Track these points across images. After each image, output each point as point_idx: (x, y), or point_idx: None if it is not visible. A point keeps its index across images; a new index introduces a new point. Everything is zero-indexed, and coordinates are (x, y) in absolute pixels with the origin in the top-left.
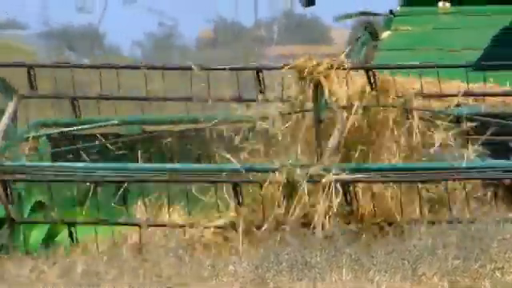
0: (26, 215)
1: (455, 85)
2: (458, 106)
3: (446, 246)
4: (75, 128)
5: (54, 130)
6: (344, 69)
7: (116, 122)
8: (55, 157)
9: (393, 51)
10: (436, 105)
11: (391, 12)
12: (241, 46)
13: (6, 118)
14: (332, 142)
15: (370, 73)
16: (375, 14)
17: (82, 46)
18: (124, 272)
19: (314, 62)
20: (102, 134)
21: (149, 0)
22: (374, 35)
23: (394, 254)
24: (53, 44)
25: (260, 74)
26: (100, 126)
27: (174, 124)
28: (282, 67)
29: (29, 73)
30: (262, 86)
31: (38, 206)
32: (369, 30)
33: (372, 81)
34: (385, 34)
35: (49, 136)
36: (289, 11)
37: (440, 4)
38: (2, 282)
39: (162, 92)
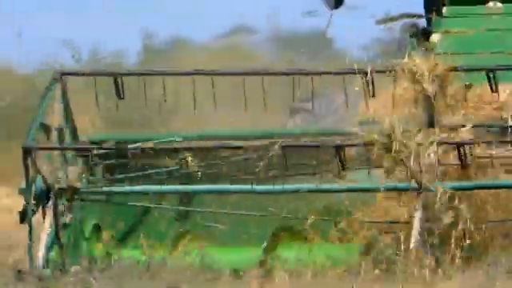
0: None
1: None
2: None
3: None
4: (130, 146)
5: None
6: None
7: (176, 138)
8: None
9: (447, 55)
10: None
11: (437, 13)
12: None
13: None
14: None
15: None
16: (418, 16)
17: (311, 50)
18: None
19: (432, 64)
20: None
21: (374, 7)
22: (421, 38)
23: None
24: (281, 47)
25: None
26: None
27: (241, 139)
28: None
29: (115, 81)
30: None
31: (95, 229)
32: (415, 32)
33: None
34: (435, 37)
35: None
36: None
37: (491, 4)
38: None
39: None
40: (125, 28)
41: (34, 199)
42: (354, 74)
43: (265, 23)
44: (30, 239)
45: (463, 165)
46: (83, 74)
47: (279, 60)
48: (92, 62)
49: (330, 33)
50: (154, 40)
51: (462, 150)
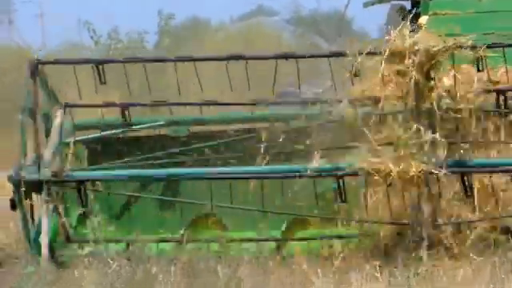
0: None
1: None
2: None
3: None
4: (114, 132)
5: (93, 134)
6: None
7: (162, 122)
8: (93, 162)
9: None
10: None
11: None
12: None
13: (54, 135)
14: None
15: None
16: None
17: (330, 31)
18: None
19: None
20: (147, 137)
21: None
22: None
23: None
24: (300, 29)
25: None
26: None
27: (227, 123)
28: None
29: (97, 68)
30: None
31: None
32: (402, 15)
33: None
34: (423, 19)
35: (87, 140)
36: None
37: None
38: None
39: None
40: (143, 9)
41: (24, 186)
42: (339, 56)
43: (284, 5)
44: (26, 225)
45: None
46: (58, 63)
47: (298, 42)
48: (110, 42)
49: (349, 14)
50: (173, 21)
51: None
